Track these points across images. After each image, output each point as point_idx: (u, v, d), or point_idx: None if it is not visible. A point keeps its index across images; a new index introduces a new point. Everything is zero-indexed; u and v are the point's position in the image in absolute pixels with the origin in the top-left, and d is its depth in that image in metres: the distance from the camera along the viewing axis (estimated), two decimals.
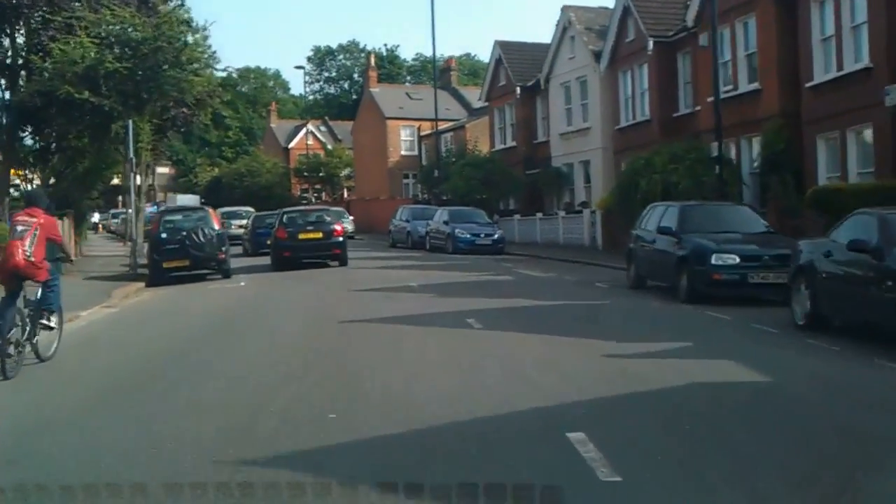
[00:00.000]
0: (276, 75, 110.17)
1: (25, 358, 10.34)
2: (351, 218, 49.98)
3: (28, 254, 10.00)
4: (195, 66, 27.05)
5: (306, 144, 72.63)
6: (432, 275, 22.57)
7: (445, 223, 32.91)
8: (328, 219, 26.85)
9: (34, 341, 10.48)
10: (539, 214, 37.10)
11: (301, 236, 25.80)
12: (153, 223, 24.81)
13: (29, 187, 38.23)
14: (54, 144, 30.41)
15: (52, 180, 35.54)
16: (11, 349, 9.77)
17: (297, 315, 15.66)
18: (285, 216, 27.44)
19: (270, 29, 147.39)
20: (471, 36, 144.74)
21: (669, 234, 16.06)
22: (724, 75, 27.38)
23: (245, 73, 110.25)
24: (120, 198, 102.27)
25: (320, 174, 70.46)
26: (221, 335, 13.80)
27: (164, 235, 23.17)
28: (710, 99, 27.52)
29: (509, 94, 43.21)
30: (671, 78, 32.35)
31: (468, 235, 31.86)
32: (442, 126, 56.22)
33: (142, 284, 22.88)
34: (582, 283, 19.97)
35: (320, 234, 25.85)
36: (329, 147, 73.14)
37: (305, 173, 68.89)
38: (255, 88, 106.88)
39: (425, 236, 34.87)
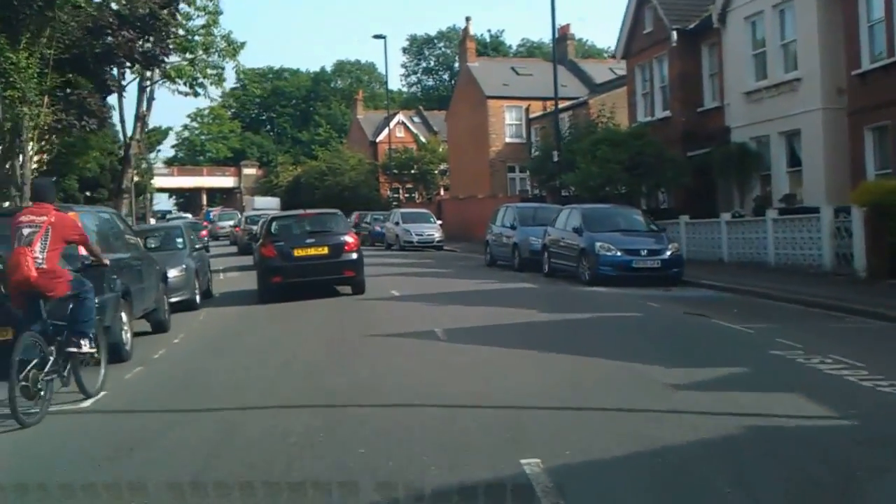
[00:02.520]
0: (371, 68, 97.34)
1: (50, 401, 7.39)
2: (439, 223, 36.28)
3: (40, 262, 7.58)
4: None
5: (395, 137, 59.55)
6: (571, 367, 8.49)
7: (577, 231, 18.69)
8: (336, 227, 17.82)
9: (65, 374, 7.92)
10: (725, 216, 22.35)
11: (297, 253, 16.84)
12: None
13: None
14: None
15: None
16: (29, 389, 7.24)
17: None
18: (274, 224, 18.14)
19: (365, 21, 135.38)
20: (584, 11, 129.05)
21: None
22: None
23: (339, 66, 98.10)
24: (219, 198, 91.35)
25: (412, 171, 57.15)
26: None
27: None
28: None
29: (660, 44, 28.61)
30: None
31: (618, 253, 17.56)
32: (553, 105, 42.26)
33: None
34: None
35: (325, 250, 16.92)
36: (422, 139, 59.67)
37: (395, 170, 55.48)
38: (350, 83, 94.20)
39: (542, 252, 20.74)
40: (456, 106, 49.66)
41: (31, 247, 7.60)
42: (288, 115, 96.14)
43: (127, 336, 10.42)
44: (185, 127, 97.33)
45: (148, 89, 23.11)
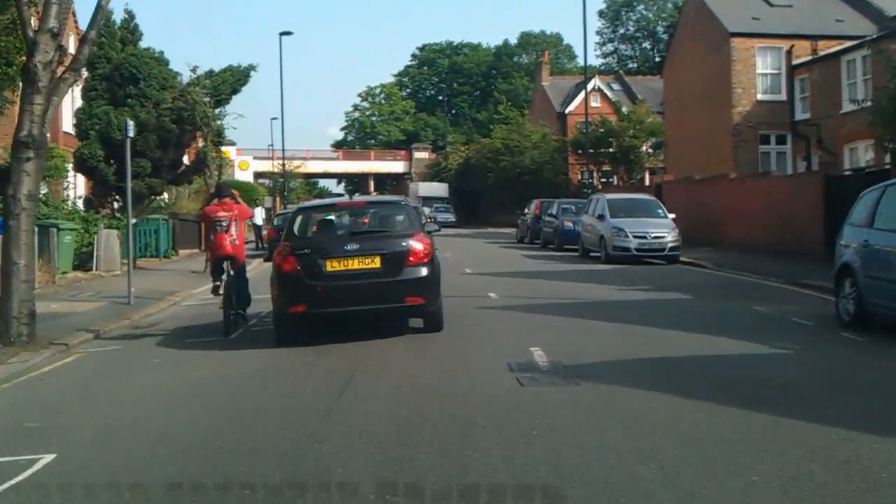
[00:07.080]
0: (558, 39, 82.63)
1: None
2: (672, 217, 21.55)
3: (234, 239, 11.05)
4: None
5: (591, 107, 44.85)
6: None
7: None
8: (396, 225, 10.04)
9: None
10: None
11: (331, 266, 9.27)
12: None
13: None
14: None
15: None
16: (231, 315, 10.80)
17: None
18: (300, 220, 10.27)
19: None
20: None
21: None
22: None
23: (523, 39, 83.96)
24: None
25: (611, 149, 42.40)
26: None
27: None
28: None
29: None
30: None
31: None
32: (828, 46, 27.22)
33: None
34: None
35: (375, 262, 9.27)
36: (623, 109, 44.67)
37: (590, 149, 40.88)
38: (535, 58, 79.96)
39: None
40: (679, 54, 34.40)
41: (228, 232, 11.00)
42: (466, 94, 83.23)
43: None
44: (356, 107, 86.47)
45: None
